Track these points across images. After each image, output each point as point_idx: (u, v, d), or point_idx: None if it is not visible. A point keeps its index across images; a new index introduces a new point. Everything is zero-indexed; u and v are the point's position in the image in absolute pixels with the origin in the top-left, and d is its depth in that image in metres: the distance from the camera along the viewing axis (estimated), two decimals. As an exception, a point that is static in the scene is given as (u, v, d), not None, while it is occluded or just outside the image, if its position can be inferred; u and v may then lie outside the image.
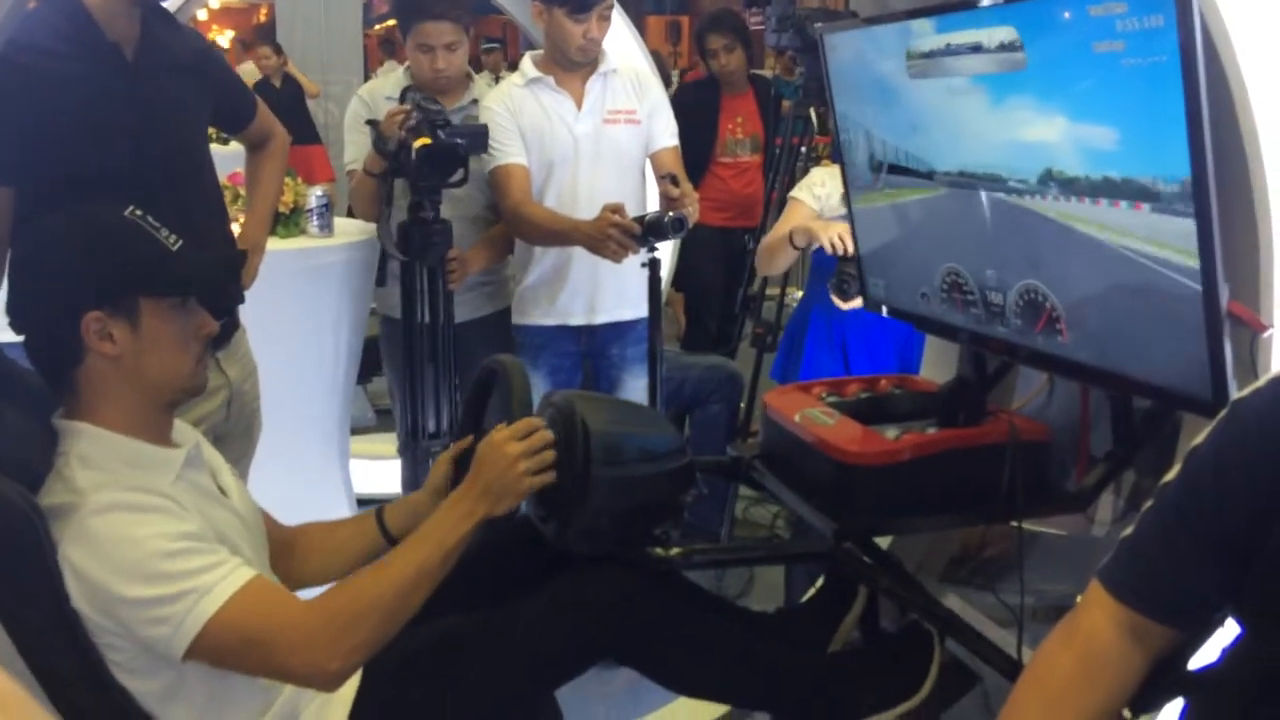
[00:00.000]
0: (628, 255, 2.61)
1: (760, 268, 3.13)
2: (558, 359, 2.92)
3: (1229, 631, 1.23)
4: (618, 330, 2.82)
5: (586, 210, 2.73)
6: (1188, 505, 1.17)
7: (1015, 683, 1.30)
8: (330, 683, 1.46)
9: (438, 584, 1.52)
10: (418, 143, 2.58)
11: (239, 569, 1.43)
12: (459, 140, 2.63)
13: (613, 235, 2.55)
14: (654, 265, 2.63)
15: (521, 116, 2.83)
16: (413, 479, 2.99)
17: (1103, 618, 1.22)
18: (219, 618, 1.38)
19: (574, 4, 2.71)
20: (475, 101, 3.00)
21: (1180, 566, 1.17)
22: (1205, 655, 1.27)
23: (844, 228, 2.70)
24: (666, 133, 2.90)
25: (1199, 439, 1.19)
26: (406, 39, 2.95)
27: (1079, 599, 1.28)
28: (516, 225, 2.88)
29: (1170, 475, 1.20)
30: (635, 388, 2.86)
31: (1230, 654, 1.20)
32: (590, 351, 2.94)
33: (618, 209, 2.58)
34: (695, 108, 4.53)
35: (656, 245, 2.62)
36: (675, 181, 2.62)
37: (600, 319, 2.87)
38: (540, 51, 2.96)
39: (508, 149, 2.82)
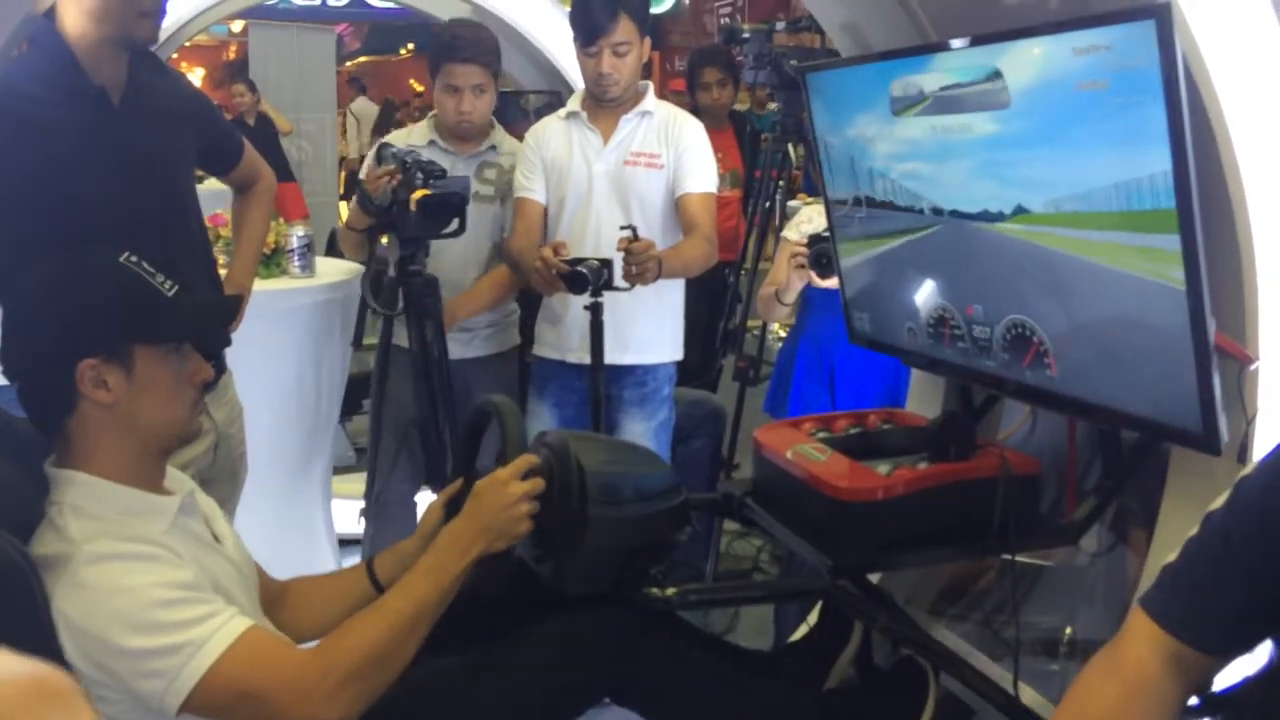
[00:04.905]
0: (555, 292, 2.64)
1: (763, 317, 3.15)
2: (563, 393, 2.90)
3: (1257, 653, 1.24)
4: (615, 373, 2.80)
5: (592, 248, 2.73)
6: (1235, 535, 1.17)
7: (1055, 712, 1.29)
8: None
9: (434, 623, 1.51)
10: (416, 194, 2.57)
11: (234, 619, 1.41)
12: (454, 191, 2.63)
13: (537, 268, 2.57)
14: (594, 310, 2.62)
15: (546, 149, 2.85)
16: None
17: (1146, 648, 1.21)
18: (214, 672, 1.36)
19: (582, 37, 2.74)
20: (494, 148, 3.04)
21: (1228, 597, 1.17)
22: (1231, 675, 1.28)
23: (791, 249, 2.74)
24: (691, 179, 2.81)
25: (1247, 469, 1.20)
26: (435, 80, 2.98)
27: (1123, 626, 1.26)
28: (504, 257, 2.95)
29: (1217, 504, 1.21)
30: (632, 431, 2.84)
31: (1265, 675, 1.21)
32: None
33: (557, 247, 2.59)
34: None
35: (599, 292, 2.58)
36: (636, 235, 2.55)
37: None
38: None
39: (525, 183, 2.86)
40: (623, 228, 2.58)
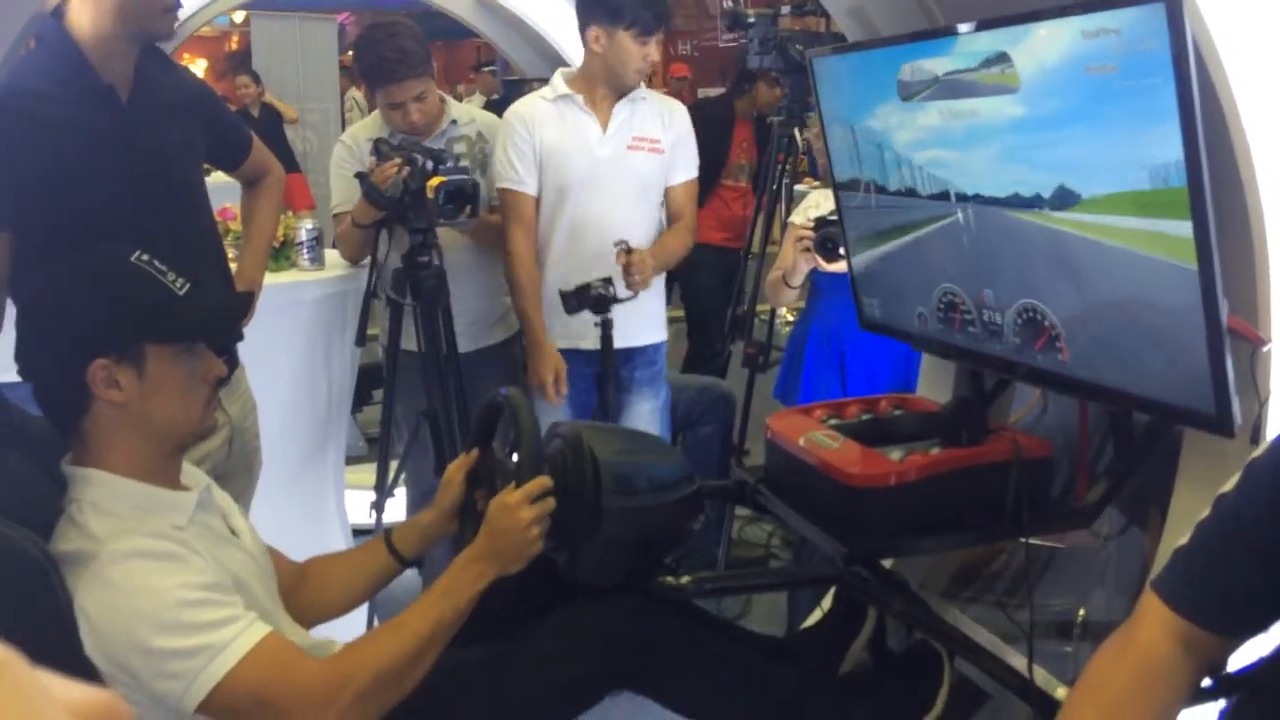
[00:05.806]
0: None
1: (771, 302, 3.16)
2: (572, 380, 2.89)
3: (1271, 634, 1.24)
4: (627, 354, 2.82)
5: (597, 235, 2.74)
6: (1246, 516, 1.17)
7: (1069, 694, 1.30)
8: None
9: (447, 643, 1.54)
10: (434, 181, 2.57)
11: (254, 625, 1.42)
12: (467, 177, 2.63)
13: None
14: (605, 325, 2.69)
15: (542, 134, 2.80)
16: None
17: (1159, 630, 1.22)
18: (232, 677, 1.38)
19: (643, 25, 2.71)
20: (455, 122, 3.02)
21: (1239, 579, 1.18)
22: (1245, 656, 1.28)
23: (797, 233, 2.76)
24: (684, 167, 2.86)
25: (1258, 452, 1.20)
26: (375, 97, 2.96)
27: (1136, 608, 1.26)
28: (507, 278, 2.93)
29: (1228, 486, 1.21)
30: (643, 410, 2.87)
31: (1278, 656, 1.21)
32: (603, 374, 2.95)
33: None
34: (715, 124, 4.71)
35: (607, 308, 2.65)
36: (630, 249, 2.64)
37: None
38: (571, 69, 2.97)
39: (516, 174, 2.81)
40: (616, 243, 2.65)
